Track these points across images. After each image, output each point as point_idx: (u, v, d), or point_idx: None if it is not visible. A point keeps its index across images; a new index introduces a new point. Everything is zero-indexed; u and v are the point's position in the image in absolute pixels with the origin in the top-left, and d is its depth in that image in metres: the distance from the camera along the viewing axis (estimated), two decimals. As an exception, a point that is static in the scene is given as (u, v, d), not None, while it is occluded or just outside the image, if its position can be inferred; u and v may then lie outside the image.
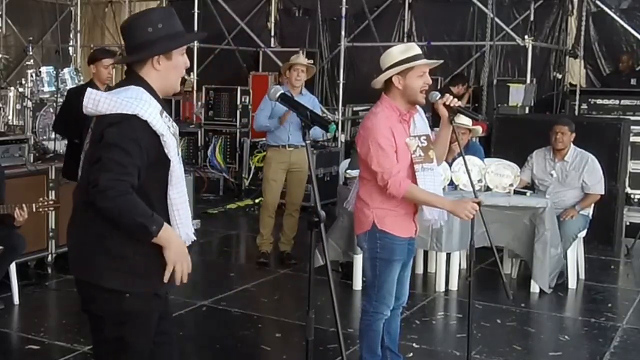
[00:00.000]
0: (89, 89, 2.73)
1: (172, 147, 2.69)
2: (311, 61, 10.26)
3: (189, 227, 2.79)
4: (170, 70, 2.77)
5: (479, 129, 6.37)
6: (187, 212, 2.78)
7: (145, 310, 2.77)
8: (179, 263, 2.67)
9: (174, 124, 2.80)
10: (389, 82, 3.73)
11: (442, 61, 4.07)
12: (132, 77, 2.76)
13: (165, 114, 2.74)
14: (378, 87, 3.82)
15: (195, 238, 2.85)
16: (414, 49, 3.75)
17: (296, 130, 6.50)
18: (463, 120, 6.09)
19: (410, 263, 4.09)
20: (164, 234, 2.61)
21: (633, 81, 9.59)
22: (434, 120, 4.65)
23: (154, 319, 2.82)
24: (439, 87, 9.41)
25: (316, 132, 6.52)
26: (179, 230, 2.74)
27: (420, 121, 3.84)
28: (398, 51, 3.74)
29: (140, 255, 2.68)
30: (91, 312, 2.78)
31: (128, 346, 2.76)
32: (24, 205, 4.88)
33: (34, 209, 4.92)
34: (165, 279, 2.67)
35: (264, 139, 6.96)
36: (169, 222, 2.70)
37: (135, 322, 2.75)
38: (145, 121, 2.61)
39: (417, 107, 3.81)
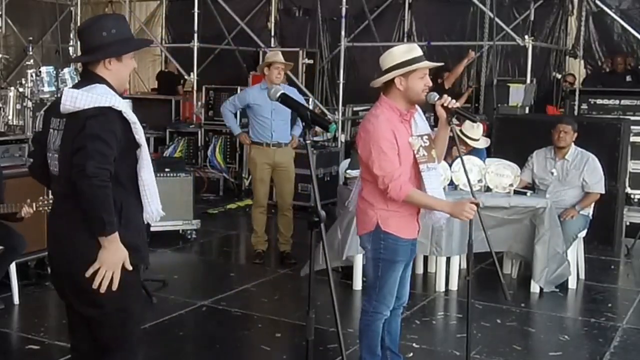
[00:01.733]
0: (65, 89, 2.99)
1: (142, 133, 3.00)
2: (311, 61, 10.28)
3: (158, 203, 3.10)
4: (121, 70, 3.08)
5: (482, 143, 6.42)
6: (155, 190, 3.09)
7: (137, 280, 3.14)
8: (108, 269, 2.89)
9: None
10: (389, 82, 3.72)
11: (443, 64, 4.05)
12: (90, 76, 3.04)
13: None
14: (377, 87, 3.82)
15: (163, 213, 3.14)
16: (416, 50, 3.75)
17: (280, 127, 6.54)
18: (468, 132, 6.12)
19: (411, 263, 4.09)
20: (112, 240, 2.86)
21: (628, 78, 9.59)
22: (436, 120, 4.66)
23: (140, 293, 3.26)
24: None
25: (297, 130, 6.64)
26: (150, 207, 3.07)
27: (420, 121, 3.84)
28: (400, 52, 3.73)
29: (130, 231, 2.96)
30: (87, 290, 2.93)
31: (131, 315, 3.09)
32: (32, 203, 4.91)
33: (35, 208, 4.93)
34: (87, 274, 2.88)
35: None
36: (139, 201, 3.03)
37: (132, 291, 3.08)
38: (120, 111, 2.92)
39: (416, 106, 3.81)
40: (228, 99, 7.03)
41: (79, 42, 3.12)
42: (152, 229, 6.26)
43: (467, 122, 4.81)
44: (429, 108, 3.90)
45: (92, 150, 2.80)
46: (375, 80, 3.81)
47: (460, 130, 6.10)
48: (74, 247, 2.95)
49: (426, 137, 3.80)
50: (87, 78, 3.05)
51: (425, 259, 6.45)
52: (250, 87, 7.06)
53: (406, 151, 3.71)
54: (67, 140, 2.94)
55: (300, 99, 6.91)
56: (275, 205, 6.95)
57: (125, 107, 2.95)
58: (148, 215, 3.07)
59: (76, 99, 2.90)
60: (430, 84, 3.77)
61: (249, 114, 6.70)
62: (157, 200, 3.09)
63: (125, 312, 3.04)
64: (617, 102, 8.66)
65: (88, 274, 2.88)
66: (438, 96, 3.75)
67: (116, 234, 2.86)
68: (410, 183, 3.71)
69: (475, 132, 6.31)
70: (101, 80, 3.01)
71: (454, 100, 3.75)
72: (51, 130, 3.05)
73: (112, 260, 2.88)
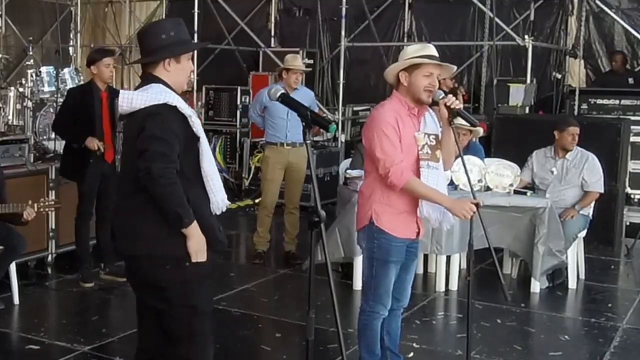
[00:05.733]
0: (122, 91, 3.11)
1: (199, 126, 3.11)
2: (311, 61, 10.27)
3: (223, 193, 3.20)
4: (179, 71, 3.19)
5: (480, 130, 6.40)
6: (219, 180, 3.20)
7: (204, 274, 3.15)
8: (199, 254, 3.07)
9: (193, 110, 3.21)
10: (398, 77, 3.75)
11: (454, 67, 3.98)
12: (148, 78, 3.17)
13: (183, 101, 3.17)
14: (390, 81, 3.85)
15: (229, 203, 3.27)
16: (429, 49, 3.77)
17: (295, 127, 6.53)
18: (462, 121, 6.09)
19: (413, 266, 4.08)
20: (192, 229, 3.02)
21: (630, 80, 9.59)
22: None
23: (208, 284, 3.26)
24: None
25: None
26: (215, 197, 3.16)
27: (431, 121, 3.85)
28: (412, 50, 3.77)
29: (199, 221, 3.06)
30: (154, 285, 3.10)
31: (198, 310, 3.16)
32: (34, 203, 4.92)
33: (36, 209, 4.94)
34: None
35: (264, 138, 6.99)
36: (205, 192, 3.13)
37: (199, 287, 3.14)
38: (175, 106, 3.03)
39: (427, 107, 3.82)
40: (250, 108, 7.09)
41: (138, 46, 3.25)
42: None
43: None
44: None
45: (155, 153, 2.94)
46: (385, 71, 3.85)
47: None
48: (144, 243, 3.07)
49: (433, 136, 3.80)
50: (145, 80, 3.16)
51: (426, 259, 6.45)
52: (265, 88, 7.05)
53: (410, 145, 3.71)
54: (127, 140, 3.13)
55: (311, 99, 6.91)
56: (280, 205, 6.94)
57: (180, 102, 3.06)
58: (214, 205, 3.17)
59: (132, 100, 3.03)
60: (437, 84, 3.76)
61: (265, 114, 6.67)
62: (222, 190, 3.20)
63: (193, 307, 3.13)
64: (617, 102, 8.66)
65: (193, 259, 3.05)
66: (443, 94, 3.75)
67: (195, 223, 3.01)
68: None
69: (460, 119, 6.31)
70: (158, 80, 3.12)
71: (457, 101, 3.75)
72: (118, 134, 3.23)
73: (199, 247, 3.04)
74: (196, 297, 3.14)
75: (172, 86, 3.15)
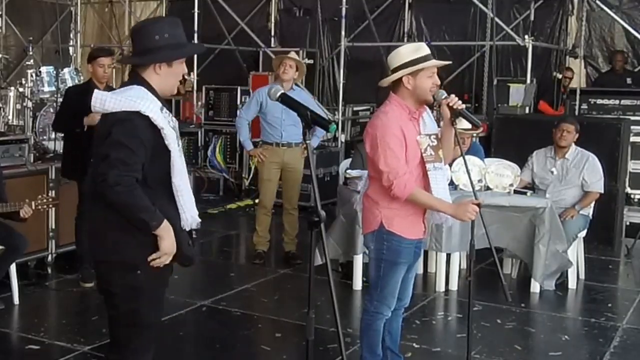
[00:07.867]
0: (95, 91, 2.98)
1: (172, 139, 2.97)
2: (311, 61, 10.23)
3: (194, 211, 3.11)
4: (170, 76, 3.05)
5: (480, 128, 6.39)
6: (190, 197, 3.09)
7: (155, 285, 3.07)
8: (166, 257, 3.00)
9: (174, 118, 3.08)
10: (398, 81, 3.73)
11: (450, 62, 4.01)
12: (135, 78, 3.04)
13: (164, 109, 3.02)
14: (385, 86, 3.82)
15: (200, 220, 3.16)
16: (424, 49, 3.75)
17: (291, 127, 6.51)
18: (464, 125, 6.10)
19: (416, 265, 4.08)
20: (162, 230, 2.94)
21: (629, 80, 9.59)
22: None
23: (162, 294, 3.17)
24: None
25: (318, 132, 6.57)
26: (185, 214, 3.06)
27: (429, 120, 3.84)
28: (407, 51, 3.73)
29: (148, 236, 2.95)
30: (108, 290, 3.06)
31: (141, 319, 3.07)
32: (32, 202, 4.92)
33: (34, 206, 4.94)
34: (150, 258, 2.98)
35: (260, 138, 6.95)
36: (175, 208, 3.03)
37: (146, 296, 3.04)
38: (147, 117, 2.89)
39: (425, 106, 3.82)
40: (241, 109, 6.91)
41: (131, 43, 3.12)
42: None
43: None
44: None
45: (115, 159, 2.83)
46: (383, 79, 3.82)
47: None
48: (103, 248, 3.02)
49: (434, 136, 3.80)
50: (131, 78, 3.06)
51: (426, 259, 6.44)
52: (261, 88, 7.02)
53: (414, 149, 3.70)
54: (96, 142, 3.00)
55: (310, 102, 6.86)
56: (280, 205, 6.94)
57: (154, 112, 2.91)
58: (184, 222, 3.07)
59: (105, 101, 2.91)
60: (439, 82, 3.76)
61: (260, 113, 6.65)
62: (194, 207, 3.10)
63: (137, 314, 3.06)
64: (617, 102, 8.66)
65: (150, 258, 2.96)
66: (446, 94, 3.75)
67: (166, 223, 2.93)
68: (417, 182, 3.71)
69: (463, 123, 6.31)
70: (143, 83, 2.99)
71: (460, 101, 3.75)
72: None
73: (170, 250, 2.97)
74: (141, 307, 3.05)
75: (159, 90, 3.02)
